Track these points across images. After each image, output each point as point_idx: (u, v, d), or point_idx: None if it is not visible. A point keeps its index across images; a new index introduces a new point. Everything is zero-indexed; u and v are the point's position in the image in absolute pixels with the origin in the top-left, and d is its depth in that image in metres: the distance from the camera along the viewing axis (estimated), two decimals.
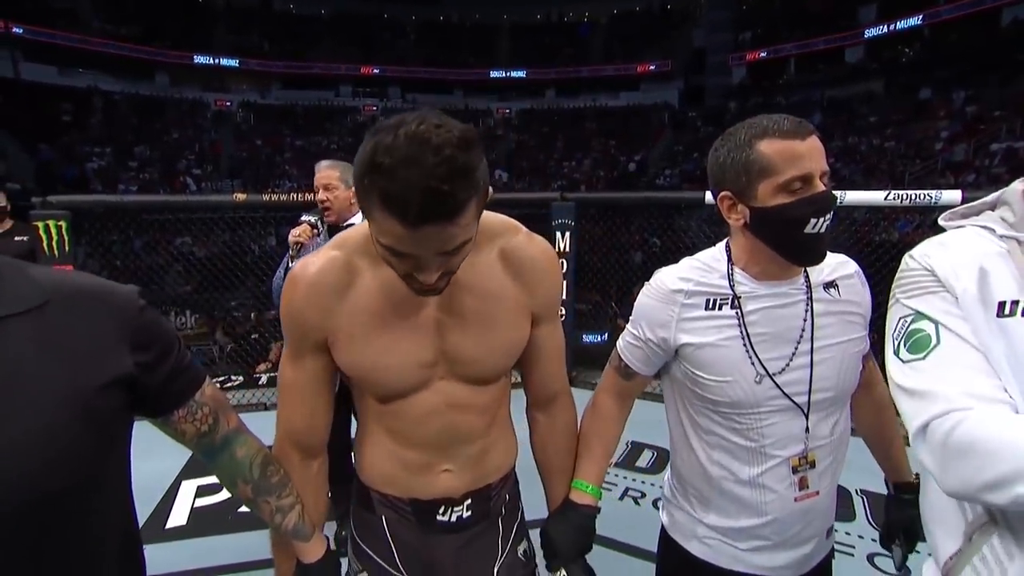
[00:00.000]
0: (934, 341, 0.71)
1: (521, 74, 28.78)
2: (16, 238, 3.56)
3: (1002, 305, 0.68)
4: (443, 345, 0.88)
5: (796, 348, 0.94)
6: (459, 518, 0.96)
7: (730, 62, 26.44)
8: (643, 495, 2.51)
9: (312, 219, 2.23)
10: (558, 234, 3.55)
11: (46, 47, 21.89)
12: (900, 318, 0.77)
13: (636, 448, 2.81)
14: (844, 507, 2.32)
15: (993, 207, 0.78)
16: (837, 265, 1.00)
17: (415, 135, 0.63)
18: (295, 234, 2.19)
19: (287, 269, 2.21)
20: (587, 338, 4.93)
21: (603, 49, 29.44)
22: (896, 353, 0.75)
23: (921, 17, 21.09)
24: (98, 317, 0.66)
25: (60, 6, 23.09)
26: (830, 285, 0.97)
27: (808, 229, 0.87)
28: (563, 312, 3.34)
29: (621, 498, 2.45)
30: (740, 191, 0.91)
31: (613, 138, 25.24)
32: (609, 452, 1.10)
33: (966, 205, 0.80)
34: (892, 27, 21.99)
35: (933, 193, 2.81)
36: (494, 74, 28.38)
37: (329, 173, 2.21)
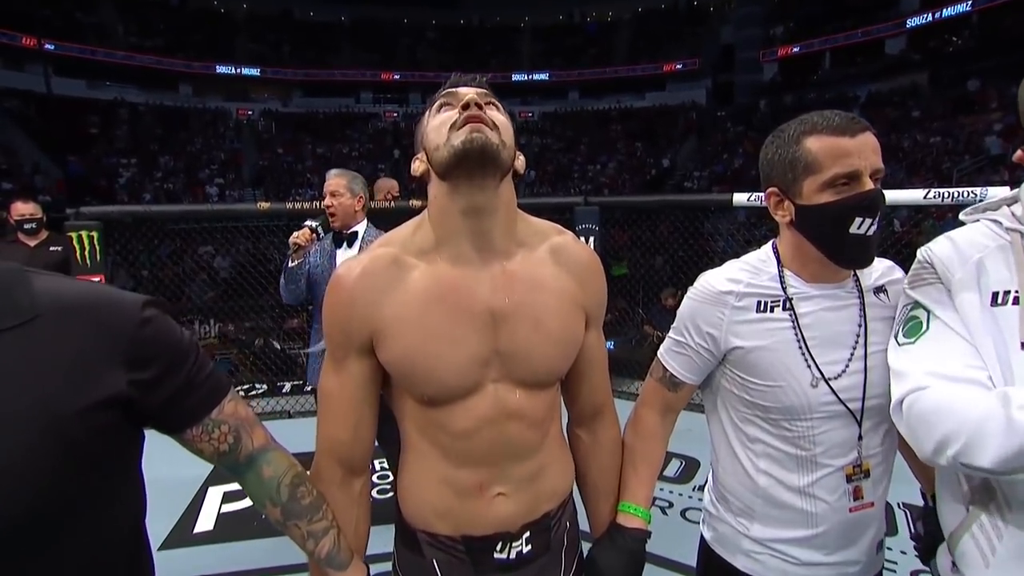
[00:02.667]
0: (924, 327, 0.80)
1: (544, 76, 28.95)
2: (51, 249, 3.75)
3: (995, 295, 0.75)
4: (498, 342, 0.85)
5: (852, 352, 0.93)
6: (519, 554, 0.90)
7: (761, 58, 26.10)
8: (671, 504, 2.50)
9: (313, 224, 2.36)
10: (582, 239, 3.58)
11: (76, 62, 22.93)
12: (903, 306, 0.86)
13: (664, 457, 2.80)
14: (887, 521, 2.27)
15: (1012, 203, 0.82)
16: (885, 270, 1.00)
17: None
18: (295, 236, 2.33)
19: (286, 269, 2.36)
20: (609, 344, 4.93)
21: (627, 48, 29.38)
22: (895, 337, 0.84)
23: (969, 3, 20.41)
24: (90, 333, 0.64)
25: (89, 21, 24.22)
26: (880, 290, 0.97)
27: (853, 229, 0.86)
28: None
29: None
30: (786, 187, 0.92)
31: (639, 140, 25.11)
32: (655, 471, 1.07)
33: (987, 201, 0.85)
34: (937, 15, 21.39)
35: (978, 190, 2.71)
36: (516, 77, 28.58)
37: (337, 181, 2.39)
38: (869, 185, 0.86)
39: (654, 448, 1.07)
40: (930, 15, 21.65)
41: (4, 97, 19.94)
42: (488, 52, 29.32)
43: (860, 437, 0.94)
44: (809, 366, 0.92)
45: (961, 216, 0.87)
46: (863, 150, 0.86)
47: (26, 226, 3.66)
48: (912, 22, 22.24)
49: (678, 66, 27.64)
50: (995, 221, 0.81)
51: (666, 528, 2.30)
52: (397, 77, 28.42)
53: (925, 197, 2.86)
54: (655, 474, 1.07)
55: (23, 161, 18.29)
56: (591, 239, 3.59)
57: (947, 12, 21.07)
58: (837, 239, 0.89)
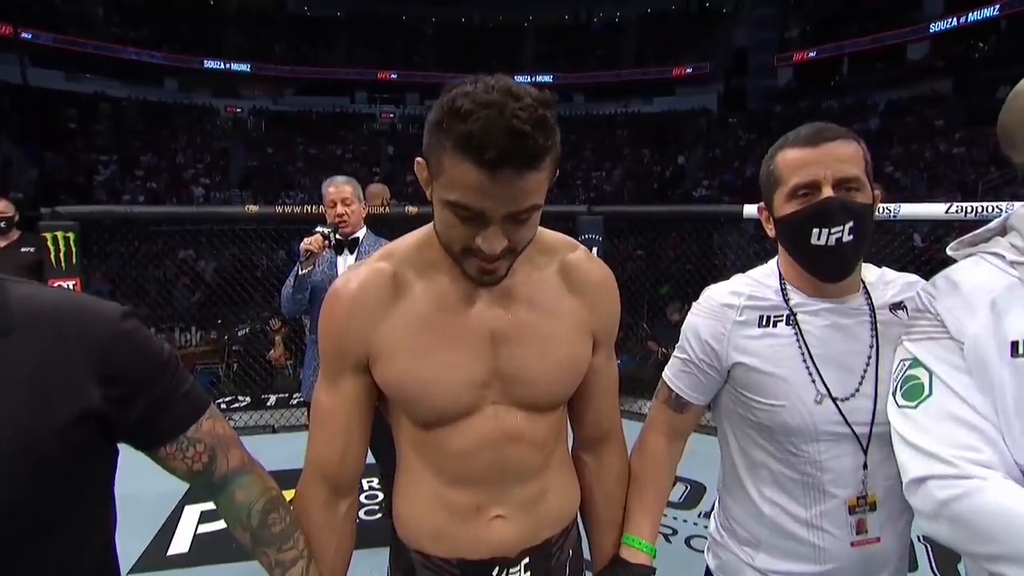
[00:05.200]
0: (926, 391, 0.76)
1: (548, 79, 29.10)
2: (23, 249, 3.73)
3: (1015, 345, 0.71)
4: (498, 363, 0.86)
5: (864, 375, 0.93)
6: None
7: (775, 63, 26.37)
8: (675, 532, 2.50)
9: (326, 231, 2.40)
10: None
11: (54, 52, 23.05)
12: (901, 360, 0.83)
13: (672, 485, 2.80)
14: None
15: (1002, 233, 0.80)
16: (905, 285, 0.98)
17: (497, 84, 0.70)
18: (307, 242, 2.37)
19: (296, 277, 2.36)
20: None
21: (635, 51, 29.67)
22: (893, 395, 0.81)
23: (997, 7, 20.44)
24: (66, 346, 0.65)
25: (69, 10, 24.41)
26: (897, 306, 0.96)
27: (814, 240, 0.88)
28: None
29: None
30: (768, 202, 0.98)
31: (646, 147, 25.27)
32: (662, 502, 1.07)
33: (973, 233, 0.83)
34: (962, 20, 21.52)
35: (1003, 205, 2.71)
36: (518, 79, 27.55)
37: (346, 188, 2.48)
38: (827, 194, 0.87)
39: (661, 476, 1.06)
40: (955, 19, 21.77)
41: None
42: (489, 52, 29.58)
43: (865, 466, 0.94)
44: (814, 381, 0.93)
45: (949, 251, 0.84)
46: (825, 159, 0.88)
47: None
48: (936, 27, 22.40)
49: (688, 70, 27.87)
50: (996, 255, 0.77)
51: (670, 557, 2.29)
52: (394, 76, 28.62)
53: (947, 212, 2.87)
54: (662, 505, 1.07)
55: None
56: (594, 250, 3.61)
57: (973, 17, 21.16)
58: (801, 250, 0.92)
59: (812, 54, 25.32)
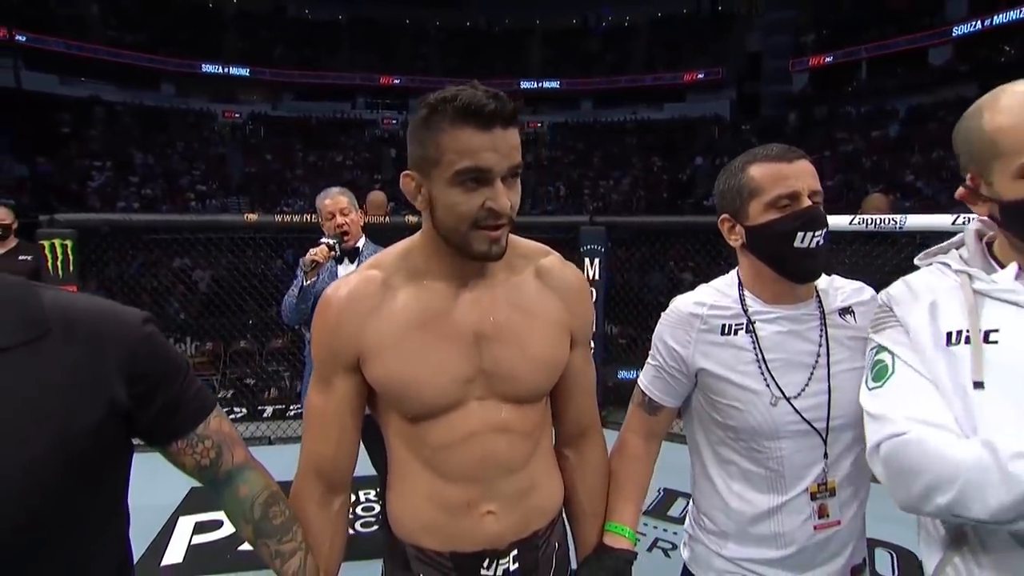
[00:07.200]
0: (890, 370, 0.89)
1: (554, 84, 29.45)
2: (20, 258, 3.83)
3: (949, 335, 0.85)
4: (482, 360, 0.96)
5: (812, 373, 1.07)
6: (505, 572, 1.00)
7: (790, 68, 26.54)
8: (674, 547, 2.55)
9: (331, 241, 2.51)
10: (586, 261, 3.67)
11: (49, 55, 23.46)
12: (869, 350, 0.97)
13: (669, 496, 2.87)
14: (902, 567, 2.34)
15: (960, 246, 0.95)
16: (852, 292, 1.13)
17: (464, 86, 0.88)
18: (313, 253, 2.47)
19: (301, 288, 2.47)
20: (622, 375, 5.01)
21: (645, 56, 29.93)
22: (866, 383, 0.95)
23: (1023, 9, 20.40)
24: (97, 348, 0.73)
25: (65, 12, 24.87)
26: (846, 311, 1.10)
27: (797, 243, 1.02)
28: (592, 345, 3.44)
29: (650, 549, 2.52)
30: (735, 212, 1.10)
31: (656, 154, 25.45)
32: (642, 494, 1.19)
33: (938, 246, 0.98)
34: (987, 22, 21.59)
35: None
36: (525, 84, 29.03)
37: (342, 199, 2.60)
38: (808, 203, 1.03)
39: (639, 470, 1.19)
40: (979, 22, 21.82)
41: None
42: (495, 57, 29.91)
43: (826, 455, 1.07)
44: (768, 385, 1.07)
45: (916, 260, 0.99)
46: (801, 174, 1.03)
47: None
48: (959, 30, 22.46)
49: (700, 75, 28.10)
50: (945, 264, 0.92)
51: (668, 571, 2.35)
52: (397, 81, 28.98)
53: (953, 223, 2.93)
54: (642, 496, 1.19)
55: None
56: (596, 261, 3.68)
57: (998, 19, 21.21)
58: (784, 254, 1.04)
59: (829, 59, 25.48)
